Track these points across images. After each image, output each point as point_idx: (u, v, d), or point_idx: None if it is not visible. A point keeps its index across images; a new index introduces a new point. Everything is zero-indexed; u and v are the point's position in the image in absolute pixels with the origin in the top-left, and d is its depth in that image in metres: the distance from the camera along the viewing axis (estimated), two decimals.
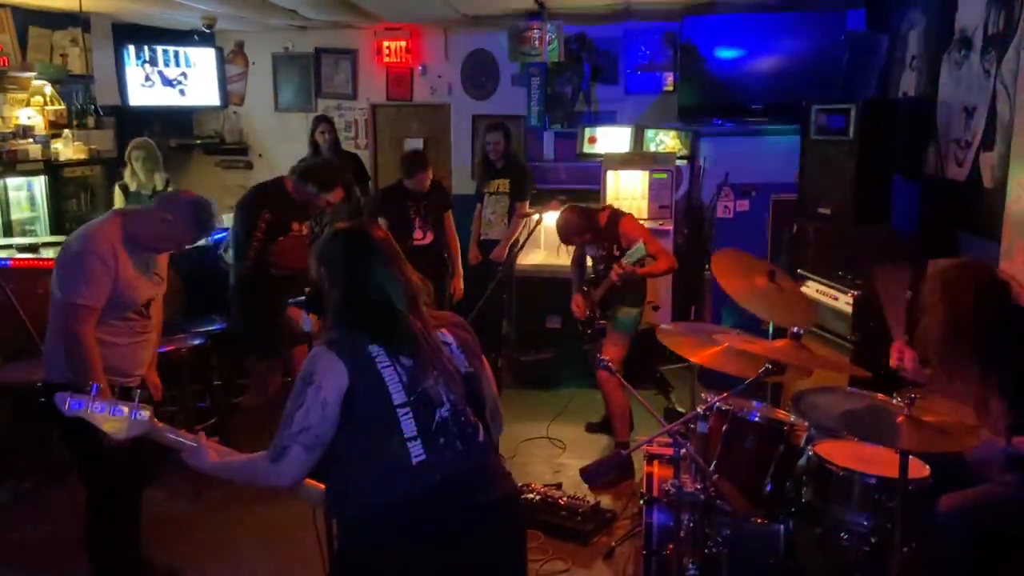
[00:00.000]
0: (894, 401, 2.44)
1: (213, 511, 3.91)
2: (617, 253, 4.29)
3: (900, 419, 2.28)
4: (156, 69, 6.58)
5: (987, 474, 2.70)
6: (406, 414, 1.90)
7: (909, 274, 3.60)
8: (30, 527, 3.85)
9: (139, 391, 2.09)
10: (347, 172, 4.63)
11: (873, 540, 2.65)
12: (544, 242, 6.13)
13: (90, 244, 2.82)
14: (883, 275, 3.70)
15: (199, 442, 2.05)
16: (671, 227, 5.64)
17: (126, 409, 1.99)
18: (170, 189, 5.61)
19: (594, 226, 4.37)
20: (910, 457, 2.45)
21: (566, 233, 4.40)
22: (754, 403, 2.95)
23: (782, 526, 2.85)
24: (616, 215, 4.44)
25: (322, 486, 2.00)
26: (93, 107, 6.40)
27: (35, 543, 3.71)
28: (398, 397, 1.90)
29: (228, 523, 3.84)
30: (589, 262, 4.66)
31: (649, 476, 3.15)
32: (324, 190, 4.10)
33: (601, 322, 4.41)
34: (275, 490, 1.96)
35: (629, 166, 5.81)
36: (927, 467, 2.68)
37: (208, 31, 6.58)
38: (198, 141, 7.38)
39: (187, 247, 3.12)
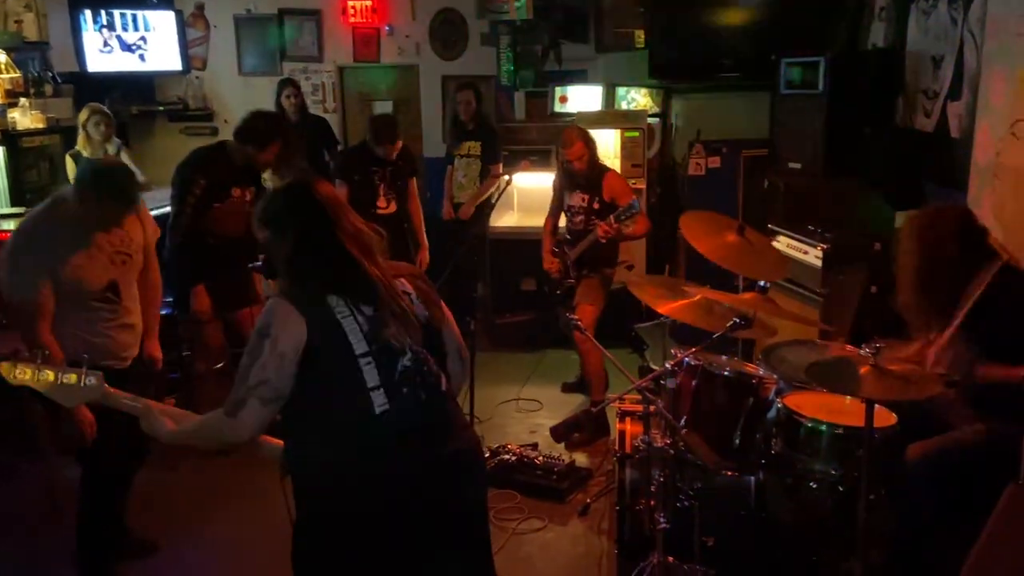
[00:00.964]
0: (860, 352, 2.46)
1: (188, 480, 3.89)
2: (597, 206, 4.27)
3: (865, 369, 2.30)
4: (114, 34, 6.39)
5: (953, 422, 2.74)
6: (368, 363, 1.87)
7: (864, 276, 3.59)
8: (4, 500, 3.82)
9: (87, 356, 2.06)
10: (284, 124, 4.32)
11: (841, 489, 2.69)
12: (517, 204, 6.10)
13: (19, 238, 2.77)
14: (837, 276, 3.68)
15: (153, 409, 2.02)
16: (644, 186, 5.62)
17: (74, 376, 1.95)
18: (123, 155, 5.49)
19: (592, 154, 4.36)
20: (878, 406, 2.47)
21: (571, 132, 4.37)
22: (723, 358, 2.97)
23: (752, 478, 2.89)
24: (603, 167, 4.47)
25: (280, 442, 1.98)
26: (50, 75, 6.22)
27: (10, 517, 3.68)
28: (359, 347, 1.87)
29: (203, 492, 3.82)
30: (562, 222, 4.64)
31: (622, 433, 3.17)
32: (260, 148, 3.85)
33: (570, 280, 4.41)
34: (233, 446, 1.93)
35: (601, 125, 5.75)
36: (894, 415, 2.71)
37: None
38: (161, 108, 7.21)
39: (115, 225, 2.88)
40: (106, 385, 2.01)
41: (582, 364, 4.52)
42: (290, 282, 1.96)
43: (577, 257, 4.39)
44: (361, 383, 1.87)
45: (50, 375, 1.96)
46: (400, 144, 4.81)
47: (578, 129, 4.47)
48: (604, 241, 4.17)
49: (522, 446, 4.03)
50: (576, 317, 3.30)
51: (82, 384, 1.96)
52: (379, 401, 1.87)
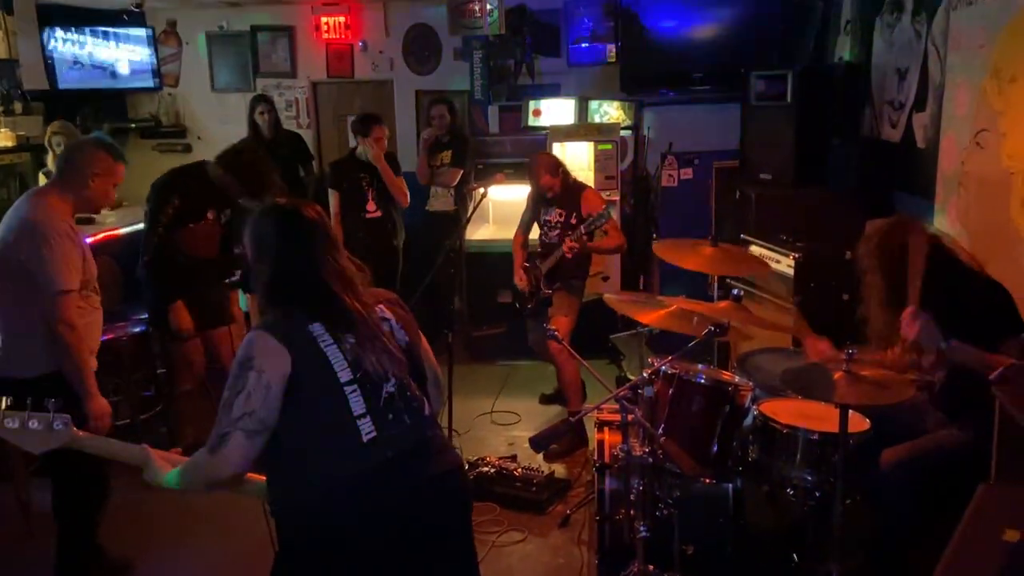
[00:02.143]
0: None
1: (164, 500, 3.82)
2: (574, 222, 4.30)
3: (838, 375, 2.34)
4: (85, 51, 6.34)
5: (925, 426, 2.79)
6: (354, 392, 1.87)
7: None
8: None
9: (54, 401, 1.98)
10: (274, 175, 4.13)
11: (818, 495, 2.72)
12: (492, 216, 6.12)
13: (52, 226, 2.72)
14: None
15: (147, 455, 1.99)
16: (617, 198, 5.67)
17: (40, 421, 1.91)
18: None
19: (564, 176, 4.39)
20: (852, 413, 2.51)
21: (537, 167, 4.40)
22: (699, 366, 2.99)
23: (730, 485, 2.91)
24: (580, 185, 4.51)
25: (263, 478, 1.96)
26: (20, 92, 6.16)
27: None
28: (344, 375, 1.87)
29: (179, 511, 3.77)
30: (535, 234, 4.66)
31: (600, 443, 3.18)
32: (247, 193, 3.77)
33: (546, 292, 4.43)
34: (219, 485, 1.90)
35: (574, 138, 5.81)
36: (867, 421, 2.75)
37: (138, 10, 6.35)
38: (133, 125, 7.14)
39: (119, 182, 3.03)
40: (75, 429, 1.96)
41: (558, 375, 4.53)
42: (270, 308, 1.95)
43: (548, 271, 4.41)
44: (348, 412, 1.86)
45: (15, 421, 1.91)
46: (386, 130, 5.08)
47: (544, 159, 4.47)
48: (570, 256, 4.18)
49: (501, 458, 4.03)
50: (553, 327, 3.31)
51: (51, 429, 1.91)
52: (367, 429, 1.87)
